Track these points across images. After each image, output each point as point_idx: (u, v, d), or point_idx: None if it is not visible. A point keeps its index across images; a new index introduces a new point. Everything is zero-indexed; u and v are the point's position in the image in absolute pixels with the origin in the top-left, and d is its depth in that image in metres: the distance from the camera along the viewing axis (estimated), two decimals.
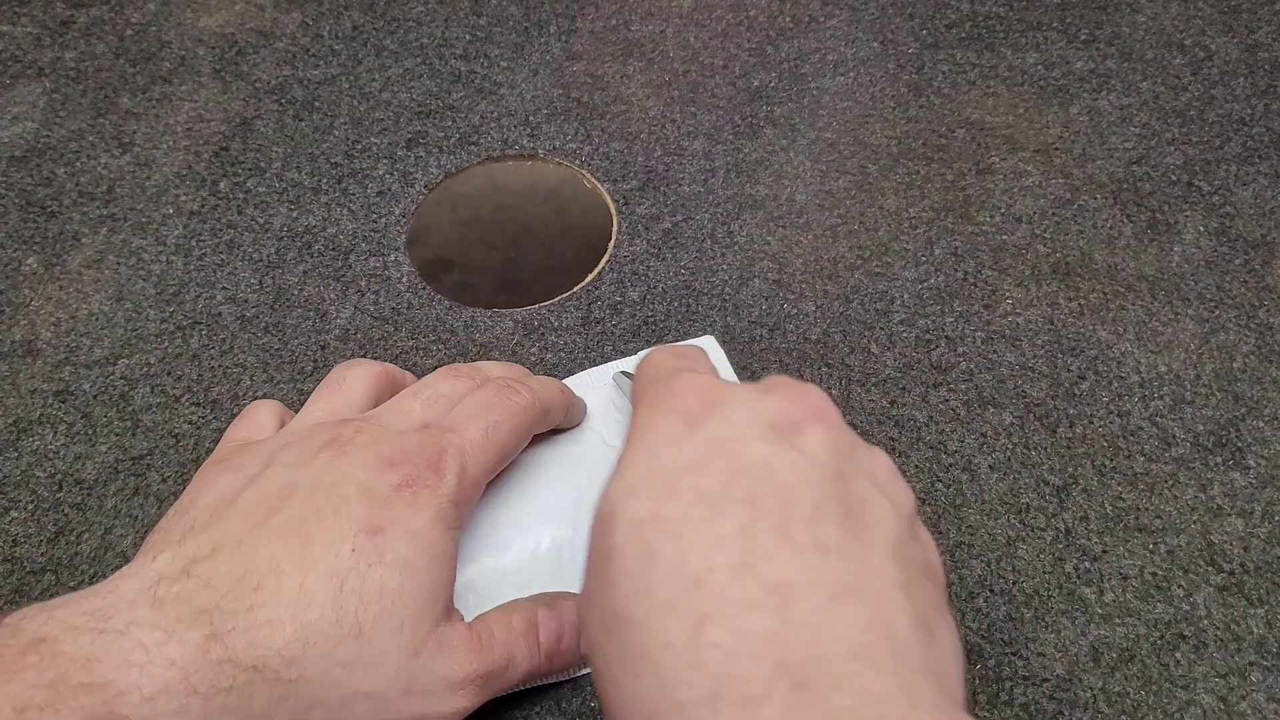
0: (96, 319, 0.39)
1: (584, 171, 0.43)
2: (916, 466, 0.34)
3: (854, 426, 0.35)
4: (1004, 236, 0.40)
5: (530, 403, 0.30)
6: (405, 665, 0.24)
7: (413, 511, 0.25)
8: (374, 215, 0.42)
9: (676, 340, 0.37)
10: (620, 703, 0.20)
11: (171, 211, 0.42)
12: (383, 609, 0.24)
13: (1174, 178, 0.42)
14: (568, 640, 0.28)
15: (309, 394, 0.32)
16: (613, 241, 0.41)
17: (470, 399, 0.29)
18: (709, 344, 0.36)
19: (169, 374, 0.37)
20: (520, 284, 0.40)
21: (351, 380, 0.30)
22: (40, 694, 0.20)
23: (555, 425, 0.32)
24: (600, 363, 0.37)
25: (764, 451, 0.21)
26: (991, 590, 0.31)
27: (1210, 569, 0.32)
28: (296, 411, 0.30)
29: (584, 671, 0.29)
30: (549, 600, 0.28)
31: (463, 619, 0.27)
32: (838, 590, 0.19)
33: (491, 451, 0.28)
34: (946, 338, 0.37)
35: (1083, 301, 0.38)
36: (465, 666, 0.25)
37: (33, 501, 0.34)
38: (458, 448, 0.27)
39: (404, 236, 0.41)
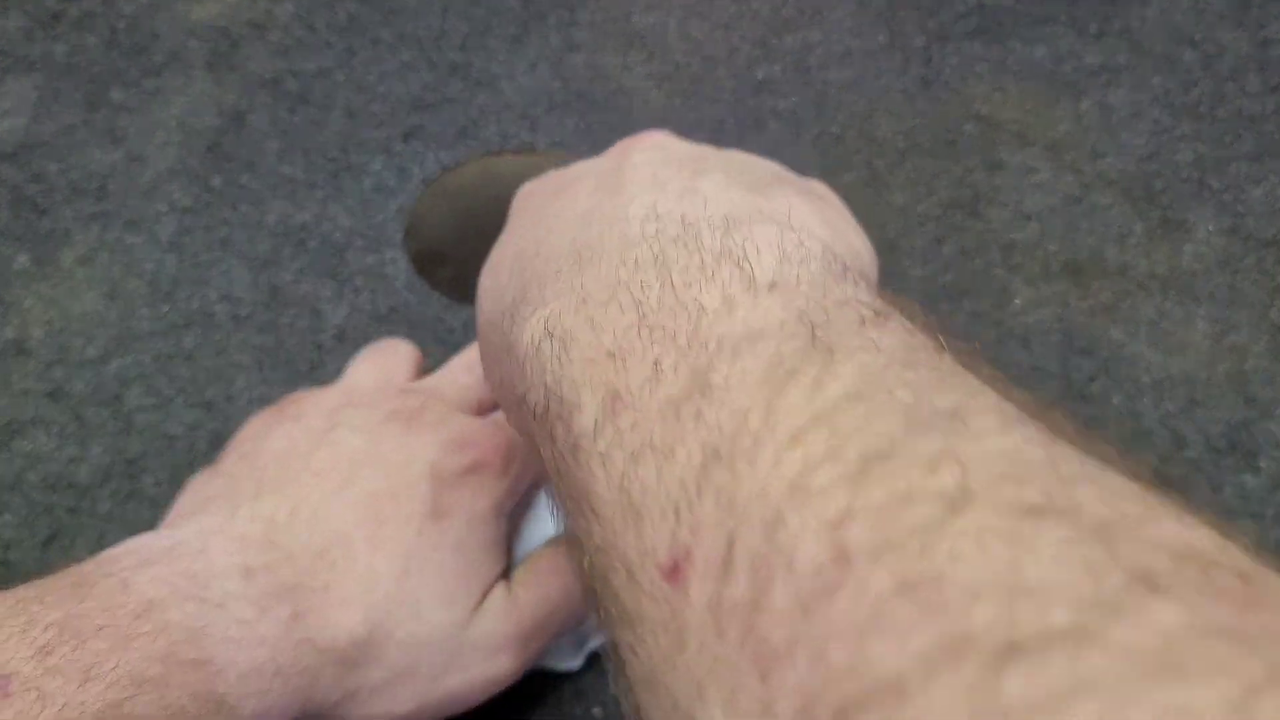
0: (89, 317, 0.38)
1: None
2: None
3: None
4: (1014, 234, 0.40)
5: None
6: (451, 639, 0.25)
7: (476, 497, 0.26)
8: (370, 211, 0.41)
9: None
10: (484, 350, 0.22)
11: (164, 208, 0.41)
12: (439, 586, 0.25)
13: (1185, 175, 0.41)
14: None
15: None
16: None
17: (507, 450, 0.30)
18: None
19: (163, 374, 0.36)
20: None
21: (403, 351, 0.32)
22: (154, 668, 0.20)
23: None
24: None
25: (586, 165, 0.24)
26: None
27: None
28: None
29: (591, 649, 0.29)
30: (563, 539, 0.29)
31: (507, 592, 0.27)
32: (638, 191, 0.20)
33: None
34: (956, 337, 0.37)
35: (1094, 301, 0.38)
36: (500, 625, 0.26)
37: (25, 505, 0.33)
38: (521, 444, 0.28)
39: (401, 232, 0.40)
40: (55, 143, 0.43)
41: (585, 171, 0.23)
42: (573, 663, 0.29)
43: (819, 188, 0.24)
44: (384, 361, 0.31)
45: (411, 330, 0.37)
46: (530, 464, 0.29)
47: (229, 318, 0.38)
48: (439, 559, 0.25)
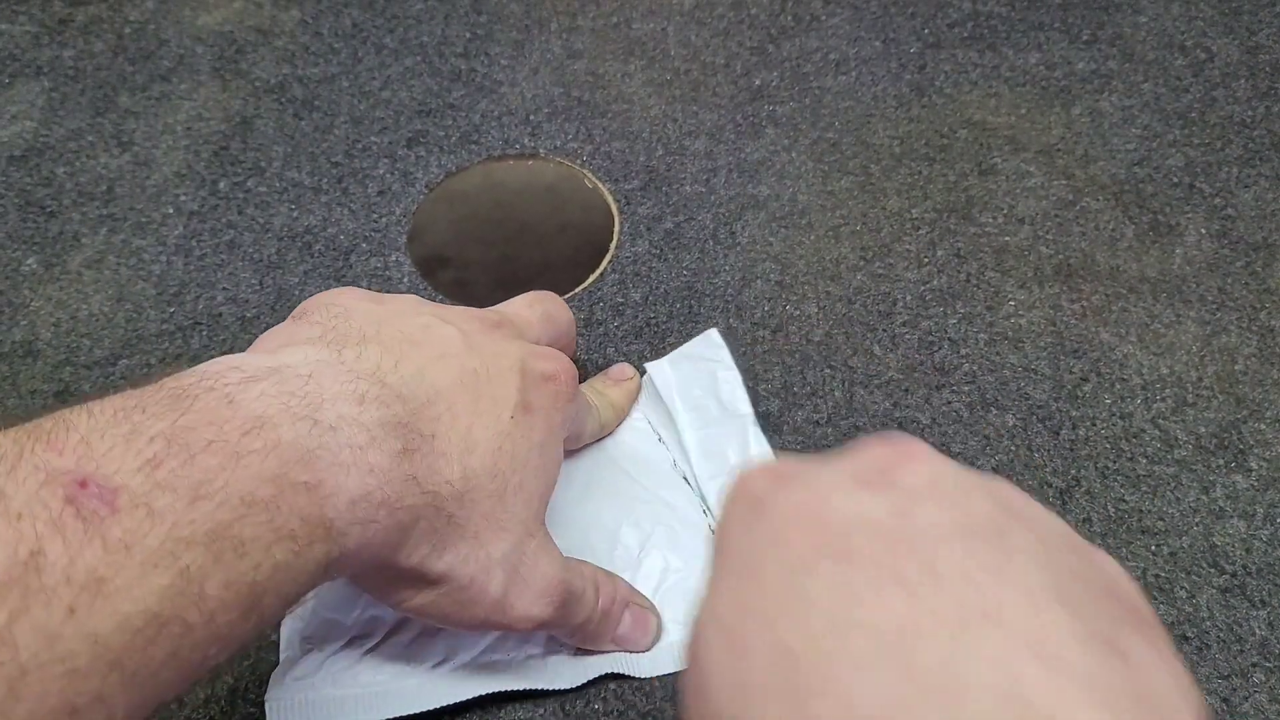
0: (97, 319, 0.38)
1: (585, 171, 0.43)
2: None
3: (856, 429, 0.35)
4: (1006, 238, 0.40)
5: (604, 415, 0.33)
6: (521, 543, 0.25)
7: (553, 407, 0.27)
8: (374, 215, 0.42)
9: (678, 341, 0.37)
10: None
11: (171, 211, 0.42)
12: (522, 480, 0.25)
13: (1176, 179, 0.42)
14: (616, 611, 0.29)
15: None
16: (614, 242, 0.41)
17: (576, 378, 0.31)
18: (713, 337, 0.37)
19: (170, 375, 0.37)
20: (519, 283, 0.40)
21: None
22: (265, 488, 0.19)
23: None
24: (601, 363, 0.37)
25: (852, 501, 0.17)
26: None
27: (1213, 571, 0.32)
28: None
29: (591, 677, 0.30)
30: (606, 572, 0.29)
31: None
32: (971, 617, 0.14)
33: (582, 419, 0.31)
34: (949, 339, 0.37)
35: (1085, 303, 0.38)
36: (558, 574, 0.26)
37: None
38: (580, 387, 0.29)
39: (404, 236, 0.41)
40: (63, 147, 0.44)
41: (854, 529, 0.16)
42: (571, 684, 0.30)
43: (1121, 581, 0.17)
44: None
45: None
46: (577, 415, 0.29)
47: (235, 319, 0.38)
48: (525, 451, 0.25)
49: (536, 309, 0.31)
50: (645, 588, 0.31)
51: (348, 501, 0.21)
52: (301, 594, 0.21)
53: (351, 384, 0.22)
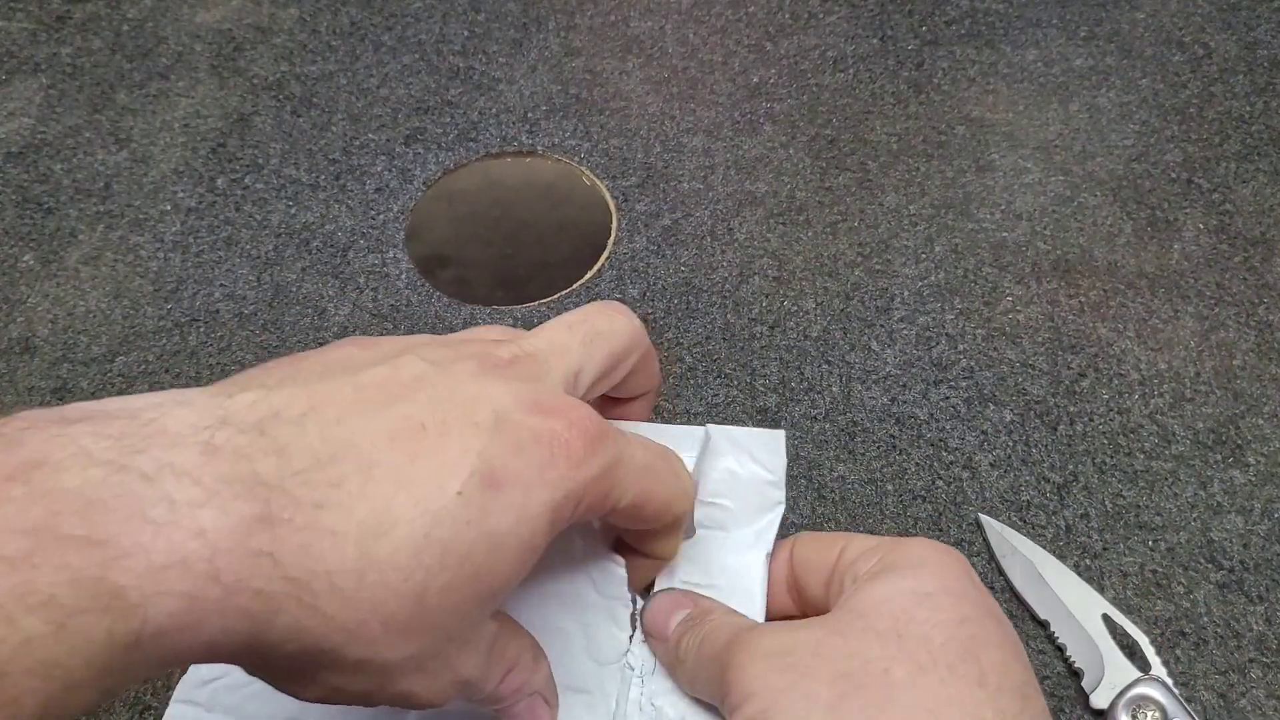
0: (94, 316, 0.38)
1: (583, 168, 0.43)
2: (917, 464, 0.34)
3: (854, 424, 0.35)
4: (1004, 234, 0.40)
5: (685, 492, 0.25)
6: (434, 650, 0.20)
7: (539, 480, 0.20)
8: (372, 212, 0.42)
9: (675, 337, 0.37)
10: None
11: (169, 208, 0.42)
12: (453, 582, 0.19)
13: (1174, 175, 0.42)
14: (519, 698, 0.24)
15: None
16: (612, 238, 0.41)
17: (598, 437, 0.23)
18: (778, 438, 0.28)
19: (167, 371, 0.37)
20: (517, 280, 0.40)
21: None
22: (15, 542, 0.15)
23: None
24: None
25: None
26: (993, 587, 0.31)
27: (1210, 566, 0.32)
28: None
29: None
30: (536, 653, 0.25)
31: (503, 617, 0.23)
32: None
33: (640, 488, 0.23)
34: (947, 335, 0.37)
35: (1083, 299, 0.38)
36: (473, 671, 0.21)
37: None
38: (619, 444, 0.22)
39: (402, 233, 0.41)
40: (61, 144, 0.44)
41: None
42: None
43: None
44: (493, 328, 0.26)
45: (413, 329, 0.38)
46: (612, 484, 0.22)
47: (233, 315, 0.38)
48: (469, 543, 0.19)
49: (578, 331, 0.24)
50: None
51: (149, 567, 0.16)
52: (100, 679, 0.16)
53: (209, 431, 0.18)
